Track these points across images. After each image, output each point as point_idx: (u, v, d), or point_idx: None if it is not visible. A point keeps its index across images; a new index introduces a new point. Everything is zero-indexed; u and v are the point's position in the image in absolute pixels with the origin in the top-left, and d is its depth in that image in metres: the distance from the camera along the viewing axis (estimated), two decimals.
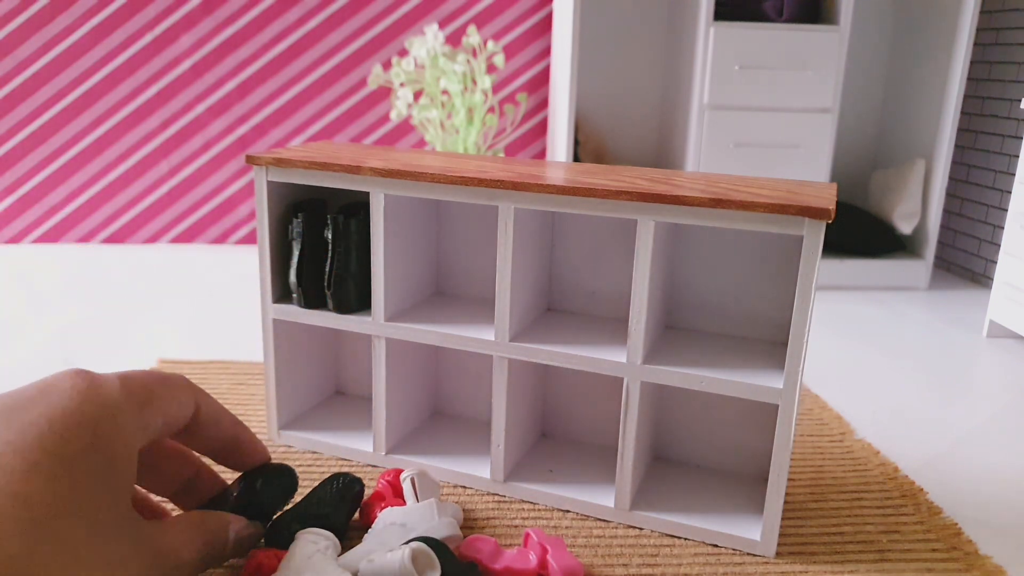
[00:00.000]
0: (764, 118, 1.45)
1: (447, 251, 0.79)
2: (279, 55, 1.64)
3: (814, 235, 0.55)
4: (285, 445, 0.78)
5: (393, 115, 1.45)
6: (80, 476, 0.32)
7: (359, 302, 0.72)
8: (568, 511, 0.68)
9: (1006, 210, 1.50)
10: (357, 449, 0.75)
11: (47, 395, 0.34)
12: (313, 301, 0.73)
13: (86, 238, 1.69)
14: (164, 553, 0.38)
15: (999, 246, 1.35)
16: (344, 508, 0.62)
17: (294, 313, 0.74)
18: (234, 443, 0.55)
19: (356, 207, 0.74)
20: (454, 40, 1.63)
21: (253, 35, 1.62)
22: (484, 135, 1.48)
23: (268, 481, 0.58)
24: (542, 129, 1.75)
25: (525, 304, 0.69)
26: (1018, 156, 1.41)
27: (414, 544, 0.52)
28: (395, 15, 1.64)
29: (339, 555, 0.54)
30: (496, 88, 1.64)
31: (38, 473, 0.30)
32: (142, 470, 0.45)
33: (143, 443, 0.39)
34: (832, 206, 0.55)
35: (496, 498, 0.70)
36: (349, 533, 0.63)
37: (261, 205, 0.72)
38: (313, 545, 0.52)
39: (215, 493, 0.57)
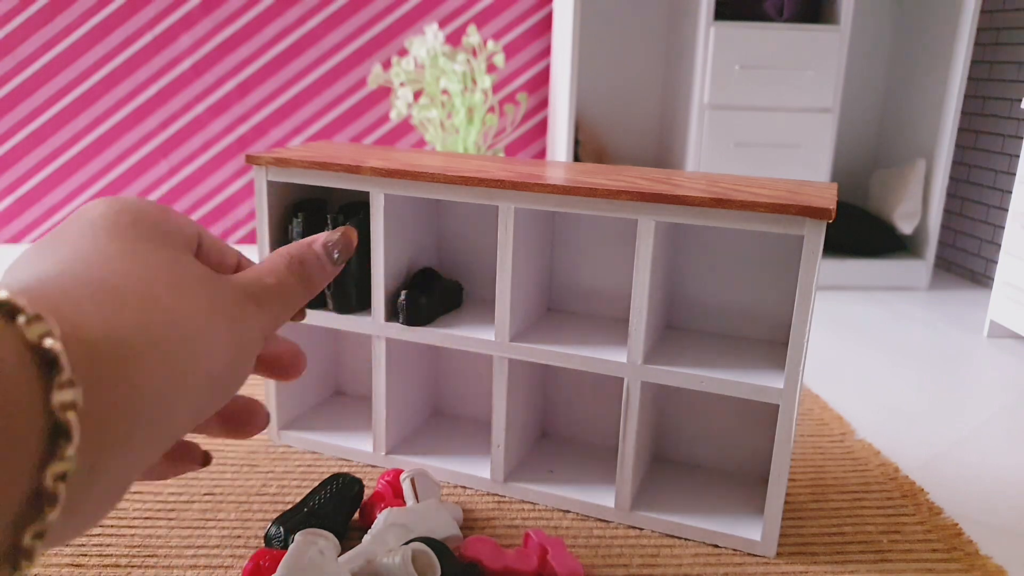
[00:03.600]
0: (764, 118, 1.45)
1: (448, 251, 0.79)
2: (279, 55, 1.64)
3: (815, 235, 0.55)
4: (285, 445, 0.78)
5: (393, 115, 1.45)
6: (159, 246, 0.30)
7: (359, 302, 0.72)
8: (568, 511, 0.68)
9: (1007, 210, 1.50)
10: (357, 449, 0.75)
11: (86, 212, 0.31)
12: (313, 301, 0.73)
13: None
14: (248, 284, 0.32)
15: (1000, 246, 1.35)
16: (343, 508, 0.62)
17: None
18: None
19: (356, 207, 0.74)
20: (454, 40, 1.63)
21: (253, 35, 1.62)
22: (484, 135, 1.48)
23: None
24: (542, 129, 1.75)
25: (525, 304, 0.69)
26: (1019, 156, 1.41)
27: (414, 545, 0.52)
28: (395, 15, 1.64)
29: (339, 555, 0.54)
30: (496, 88, 1.64)
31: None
32: None
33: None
34: (833, 206, 0.55)
35: (496, 498, 0.70)
36: (349, 533, 0.63)
37: (261, 205, 0.71)
38: (313, 546, 0.52)
39: None
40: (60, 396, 0.20)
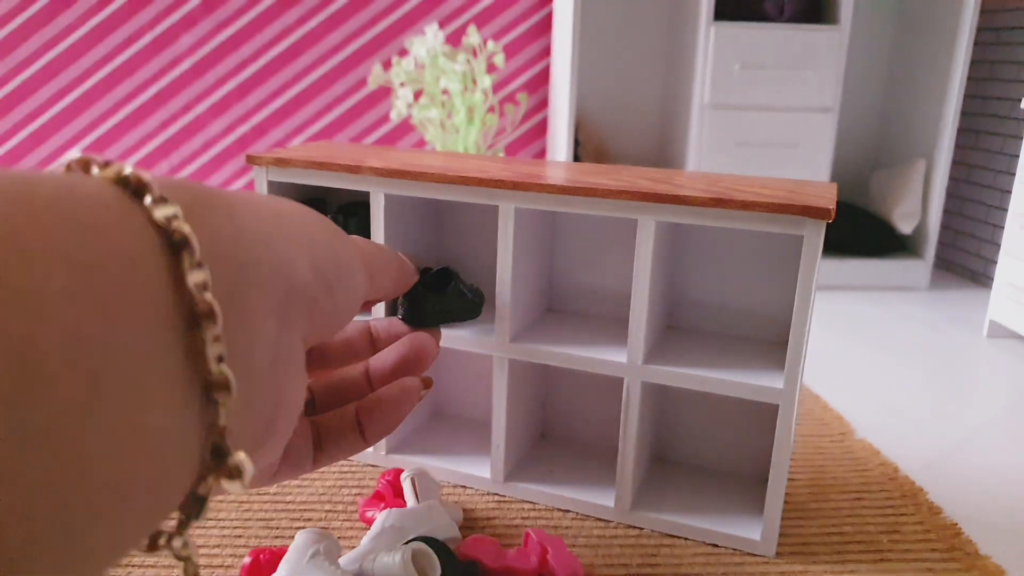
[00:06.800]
0: (764, 118, 1.45)
1: (448, 251, 0.79)
2: (279, 55, 1.64)
3: (814, 235, 0.55)
4: None
5: (393, 115, 1.45)
6: None
7: None
8: (568, 511, 0.68)
9: (1006, 210, 1.50)
10: None
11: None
12: None
13: None
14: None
15: (1000, 246, 1.35)
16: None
17: None
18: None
19: (356, 207, 0.74)
20: (454, 40, 1.63)
21: (253, 35, 1.62)
22: (484, 135, 1.48)
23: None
24: (542, 129, 1.75)
25: (525, 304, 0.69)
26: (1018, 156, 1.41)
27: (414, 544, 0.52)
28: (395, 15, 1.64)
29: (339, 555, 0.54)
30: (496, 88, 1.64)
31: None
32: None
33: None
34: (832, 206, 0.55)
35: (496, 498, 0.70)
36: (349, 533, 0.63)
37: None
38: (314, 545, 0.52)
39: None
40: (194, 277, 0.19)
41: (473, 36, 1.42)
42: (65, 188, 0.18)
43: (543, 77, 1.71)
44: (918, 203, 1.53)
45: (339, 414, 0.40)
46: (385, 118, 1.68)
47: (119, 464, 0.17)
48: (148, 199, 0.20)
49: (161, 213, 0.19)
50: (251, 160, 0.70)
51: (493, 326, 0.68)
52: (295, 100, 1.66)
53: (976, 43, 1.57)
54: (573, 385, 0.77)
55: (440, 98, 1.42)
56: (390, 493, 0.65)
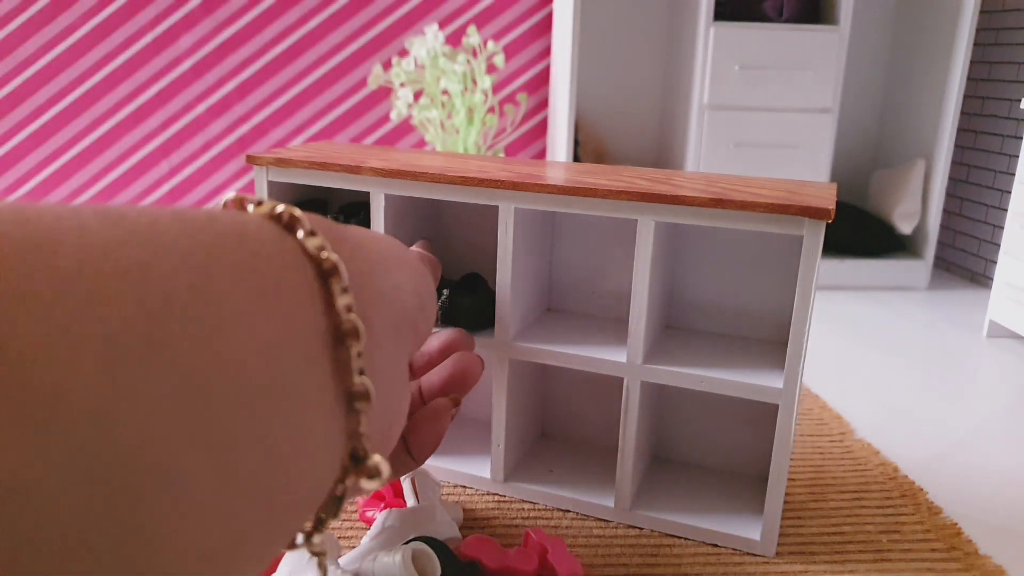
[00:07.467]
0: (764, 118, 1.45)
1: (447, 251, 0.79)
2: (279, 55, 1.64)
3: (814, 235, 0.55)
4: None
5: (393, 115, 1.45)
6: None
7: None
8: (568, 511, 0.68)
9: (1006, 210, 1.50)
10: None
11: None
12: None
13: None
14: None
15: (999, 246, 1.35)
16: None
17: None
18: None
19: (356, 207, 0.74)
20: (454, 40, 1.63)
21: (253, 35, 1.62)
22: (484, 135, 1.48)
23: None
24: (542, 129, 1.75)
25: (525, 304, 0.69)
26: (1018, 156, 1.41)
27: (414, 544, 0.52)
28: (395, 15, 1.64)
29: (339, 555, 0.54)
30: (496, 88, 1.64)
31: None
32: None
33: None
34: (832, 206, 0.55)
35: (496, 498, 0.70)
36: (349, 533, 0.63)
37: None
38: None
39: None
40: (342, 300, 0.22)
41: (473, 36, 1.42)
42: (241, 224, 0.21)
43: (543, 77, 1.71)
44: (918, 203, 1.53)
45: None
46: (385, 118, 1.68)
47: (294, 465, 0.19)
48: (300, 232, 0.23)
49: (312, 244, 0.22)
50: (251, 160, 0.70)
51: (493, 326, 0.68)
52: (295, 100, 1.66)
53: (975, 43, 1.57)
54: (573, 385, 0.77)
55: (440, 98, 1.42)
56: (390, 493, 0.65)
